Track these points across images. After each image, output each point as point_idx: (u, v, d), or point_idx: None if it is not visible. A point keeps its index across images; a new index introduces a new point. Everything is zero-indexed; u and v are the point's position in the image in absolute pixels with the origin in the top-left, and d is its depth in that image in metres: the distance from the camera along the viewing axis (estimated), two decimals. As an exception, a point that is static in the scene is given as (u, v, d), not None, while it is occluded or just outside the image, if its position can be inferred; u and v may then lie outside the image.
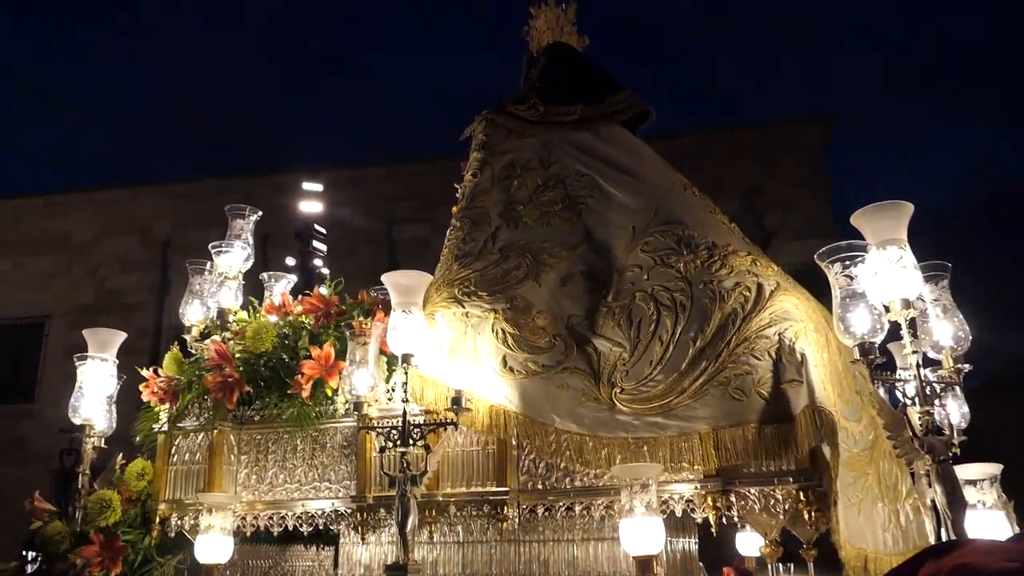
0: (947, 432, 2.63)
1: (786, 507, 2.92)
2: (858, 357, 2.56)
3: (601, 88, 4.18)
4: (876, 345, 2.56)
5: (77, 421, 3.71)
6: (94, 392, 3.75)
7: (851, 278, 2.64)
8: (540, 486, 3.20)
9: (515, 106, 4.17)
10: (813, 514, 2.83)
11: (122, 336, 3.96)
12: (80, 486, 3.71)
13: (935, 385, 2.61)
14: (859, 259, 2.64)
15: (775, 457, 2.93)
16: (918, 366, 2.54)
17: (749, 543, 4.25)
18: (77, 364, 3.81)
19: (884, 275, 2.55)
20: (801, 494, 2.87)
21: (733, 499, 2.97)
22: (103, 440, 3.82)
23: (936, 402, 2.64)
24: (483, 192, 3.82)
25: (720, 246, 3.27)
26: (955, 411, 3.06)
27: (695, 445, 3.01)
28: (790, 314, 3.06)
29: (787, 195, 14.40)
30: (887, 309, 2.58)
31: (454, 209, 4.03)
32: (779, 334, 3.04)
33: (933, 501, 2.67)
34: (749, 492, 2.96)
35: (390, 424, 3.19)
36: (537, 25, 4.67)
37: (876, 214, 2.62)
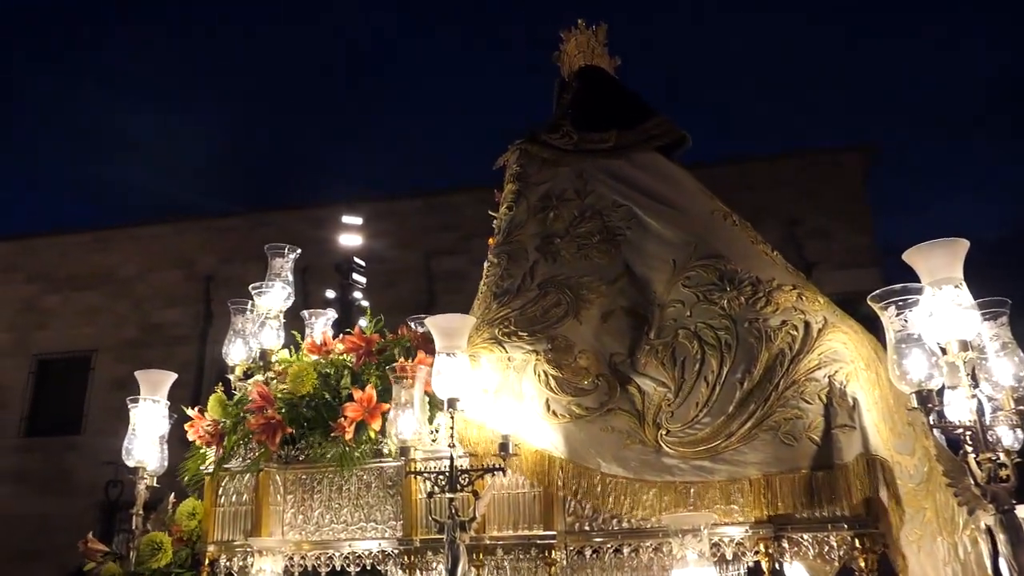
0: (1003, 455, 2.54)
1: (841, 553, 2.85)
2: (916, 406, 2.49)
3: (635, 113, 4.14)
4: (934, 392, 2.48)
5: (131, 463, 3.75)
6: (146, 433, 3.79)
7: (906, 322, 2.56)
8: (587, 528, 3.16)
9: (548, 135, 4.14)
10: (869, 561, 2.76)
11: (172, 377, 4.00)
12: (134, 527, 3.75)
13: (996, 432, 2.51)
14: (913, 302, 2.56)
15: (828, 503, 2.86)
16: (979, 412, 2.46)
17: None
18: (130, 406, 3.85)
19: (940, 316, 2.47)
20: (857, 541, 2.80)
21: (785, 545, 2.91)
22: (155, 479, 3.87)
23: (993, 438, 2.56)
24: (519, 226, 3.79)
25: (764, 281, 3.20)
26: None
27: (745, 490, 2.95)
28: (840, 355, 2.99)
29: (828, 225, 14.26)
30: (944, 351, 2.51)
31: (491, 241, 4.01)
32: (829, 377, 2.97)
33: (988, 527, 2.60)
34: (802, 538, 2.90)
35: (436, 468, 3.18)
36: (568, 49, 4.64)
37: (930, 252, 2.54)
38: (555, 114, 4.36)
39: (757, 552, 2.92)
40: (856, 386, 2.93)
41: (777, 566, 2.94)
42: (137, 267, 18.10)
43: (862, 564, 2.77)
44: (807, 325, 3.07)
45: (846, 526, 2.84)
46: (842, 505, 2.85)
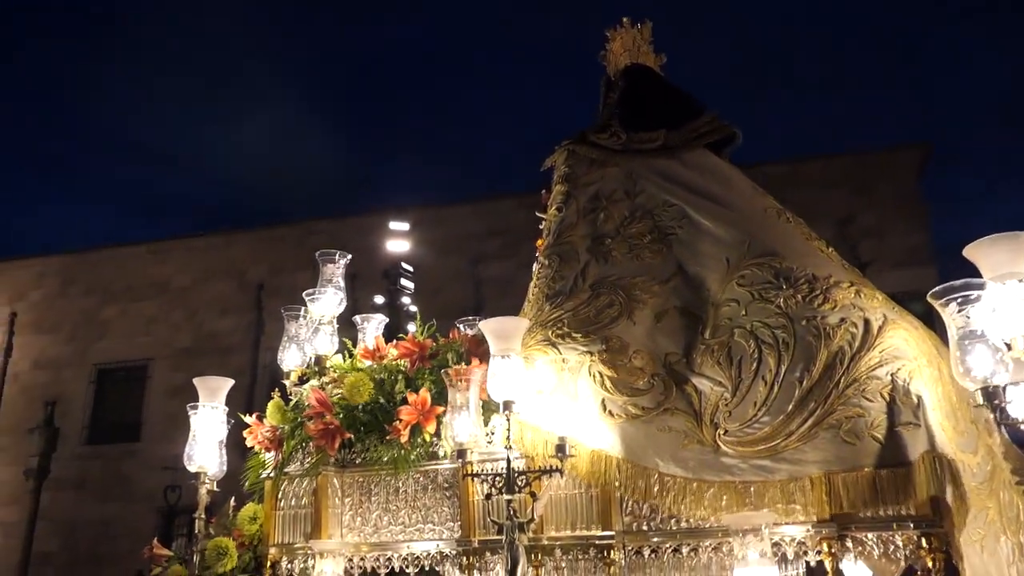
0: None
1: (907, 553, 2.80)
2: (981, 403, 2.43)
3: (683, 111, 4.11)
4: (1000, 388, 2.41)
5: (192, 469, 3.83)
6: (206, 439, 3.87)
7: (968, 318, 2.50)
8: (645, 527, 3.16)
9: (596, 135, 4.13)
10: (937, 561, 2.70)
11: (229, 383, 4.08)
12: (196, 531, 3.83)
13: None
14: (975, 297, 2.50)
15: (892, 502, 2.82)
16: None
17: (856, 573, 4.09)
18: (189, 412, 3.93)
19: (1004, 311, 2.41)
20: (923, 540, 2.75)
21: (849, 544, 2.87)
22: (215, 484, 3.94)
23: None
24: (569, 227, 3.80)
25: (821, 278, 3.16)
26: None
27: (806, 489, 2.91)
28: (902, 351, 2.94)
29: (882, 224, 14.02)
30: (1008, 347, 2.44)
31: (539, 243, 4.02)
32: (891, 374, 2.92)
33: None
34: (866, 537, 2.86)
35: (493, 470, 3.19)
36: (613, 48, 4.63)
37: (992, 246, 2.48)
38: (602, 114, 4.36)
39: (820, 552, 2.88)
40: (920, 383, 2.87)
41: (840, 565, 2.90)
42: (191, 278, 18.52)
43: (929, 564, 2.72)
44: (867, 322, 3.02)
45: (912, 525, 2.79)
46: (908, 504, 2.80)
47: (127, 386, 18.40)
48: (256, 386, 15.02)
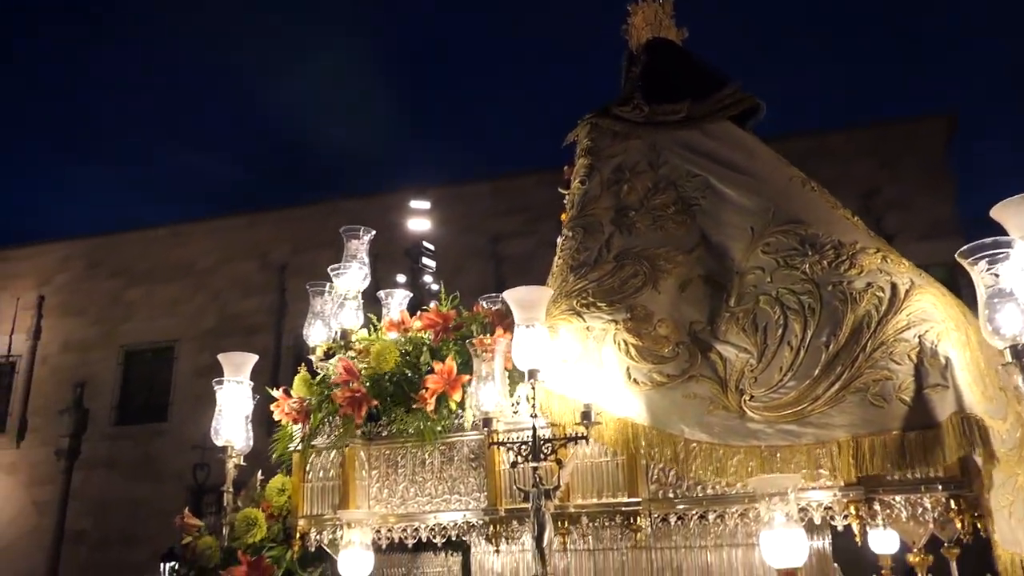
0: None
1: (935, 515, 2.80)
2: (1010, 360, 2.41)
3: (707, 83, 4.10)
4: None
5: (219, 443, 3.89)
6: (232, 414, 3.93)
7: (997, 276, 2.48)
8: (671, 495, 3.17)
9: (619, 107, 4.13)
10: (966, 523, 2.70)
11: (254, 358, 4.13)
12: (225, 503, 3.90)
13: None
14: (1003, 256, 2.48)
15: (921, 464, 2.80)
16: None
17: (884, 542, 4.09)
18: (215, 388, 3.99)
19: (1033, 270, 2.39)
20: (952, 502, 2.75)
21: (877, 507, 2.86)
22: (242, 458, 4.00)
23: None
24: (593, 199, 3.80)
25: (847, 244, 3.14)
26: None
27: (833, 453, 2.90)
28: (929, 314, 2.92)
29: (908, 196, 13.84)
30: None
31: (563, 217, 4.02)
32: (919, 337, 2.89)
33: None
34: (894, 500, 2.85)
35: (519, 439, 3.21)
36: (635, 22, 4.61)
37: (1020, 205, 2.46)
38: (624, 88, 4.35)
39: (847, 515, 2.88)
40: (947, 345, 2.85)
41: (868, 529, 2.89)
42: (214, 259, 18.69)
43: (958, 526, 2.72)
44: (894, 286, 3.00)
45: (940, 487, 2.78)
46: (936, 466, 2.79)
47: (154, 367, 18.66)
48: (280, 366, 15.17)
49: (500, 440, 3.27)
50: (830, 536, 3.75)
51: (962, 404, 2.76)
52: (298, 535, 3.72)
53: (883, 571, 4.28)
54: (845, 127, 15.67)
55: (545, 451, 3.09)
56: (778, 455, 2.98)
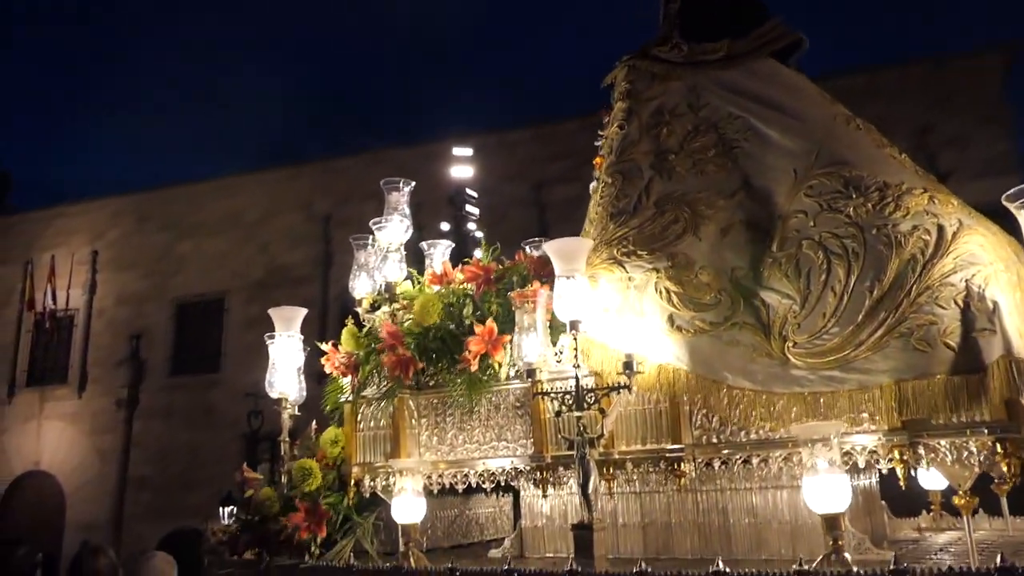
0: None
1: (981, 459, 2.79)
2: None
3: (747, 19, 3.98)
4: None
5: (274, 395, 4.00)
6: (285, 366, 4.03)
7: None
8: (715, 440, 3.20)
9: (657, 48, 4.05)
10: (1012, 466, 2.69)
11: (303, 312, 4.22)
12: (282, 452, 4.03)
13: None
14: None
15: (965, 409, 2.78)
16: None
17: (933, 478, 4.09)
18: (267, 342, 4.09)
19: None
20: (998, 445, 2.72)
21: (922, 451, 2.85)
22: (296, 408, 4.12)
23: None
24: (632, 143, 3.76)
25: (892, 185, 3.07)
26: None
27: (876, 398, 2.89)
28: (977, 257, 2.86)
29: (963, 132, 13.36)
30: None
31: (598, 161, 3.99)
32: (966, 281, 2.84)
33: None
34: (939, 444, 2.84)
35: (563, 388, 3.26)
36: (671, -46, 4.46)
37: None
38: (663, 26, 4.24)
39: (891, 460, 2.88)
40: (996, 289, 2.80)
41: (912, 472, 2.90)
42: (260, 211, 18.93)
43: (1004, 469, 2.71)
44: (940, 228, 2.94)
45: (987, 431, 2.76)
46: (982, 410, 2.77)
47: (205, 319, 19.10)
48: (327, 316, 15.45)
49: (544, 390, 3.33)
50: (877, 475, 3.77)
51: (1010, 348, 2.73)
52: (352, 483, 3.85)
53: (932, 507, 4.29)
54: (897, 64, 15.13)
55: (588, 400, 3.14)
56: (821, 401, 2.97)
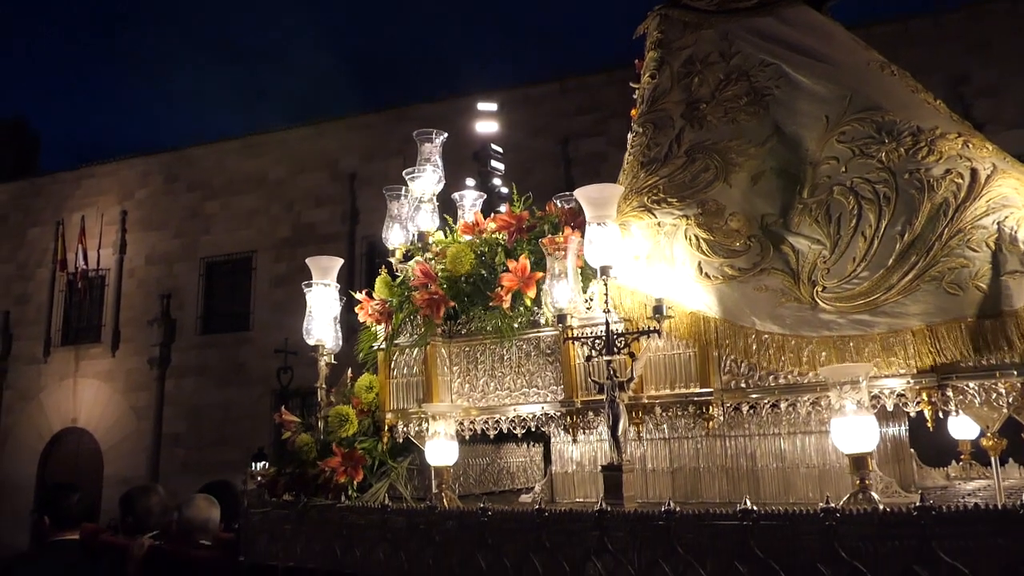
0: None
1: (1010, 400, 2.81)
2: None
3: (779, -35, 3.93)
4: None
5: (311, 342, 4.10)
6: (321, 314, 4.12)
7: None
8: (743, 385, 3.24)
9: (689, -4, 4.02)
10: (1041, 407, 2.72)
11: (339, 262, 4.30)
12: (319, 399, 4.14)
13: None
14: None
15: (996, 350, 2.79)
16: None
17: (963, 428, 4.12)
18: (304, 290, 4.18)
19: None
20: (1027, 386, 2.75)
21: (950, 394, 2.88)
22: (332, 357, 4.21)
23: None
24: (663, 93, 3.76)
25: (926, 130, 3.06)
26: None
27: (907, 341, 2.90)
28: (1010, 200, 2.85)
29: (1000, 81, 13.06)
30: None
31: (633, 112, 4.00)
32: (998, 223, 2.83)
33: None
34: (968, 386, 2.86)
35: (592, 334, 3.32)
36: None
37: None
38: (695, -26, 4.20)
39: (919, 402, 2.92)
40: (1028, 230, 2.80)
41: (941, 415, 2.94)
42: (286, 170, 19.04)
43: (1033, 410, 2.74)
44: (974, 172, 2.93)
45: (1016, 373, 2.78)
46: (1011, 352, 2.78)
47: (234, 278, 19.36)
48: (354, 274, 15.57)
49: (574, 335, 3.39)
50: (907, 423, 3.80)
51: None
52: (387, 428, 3.95)
53: (962, 456, 4.32)
54: (932, 11, 14.80)
55: (618, 345, 3.19)
56: (850, 344, 2.99)
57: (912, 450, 3.97)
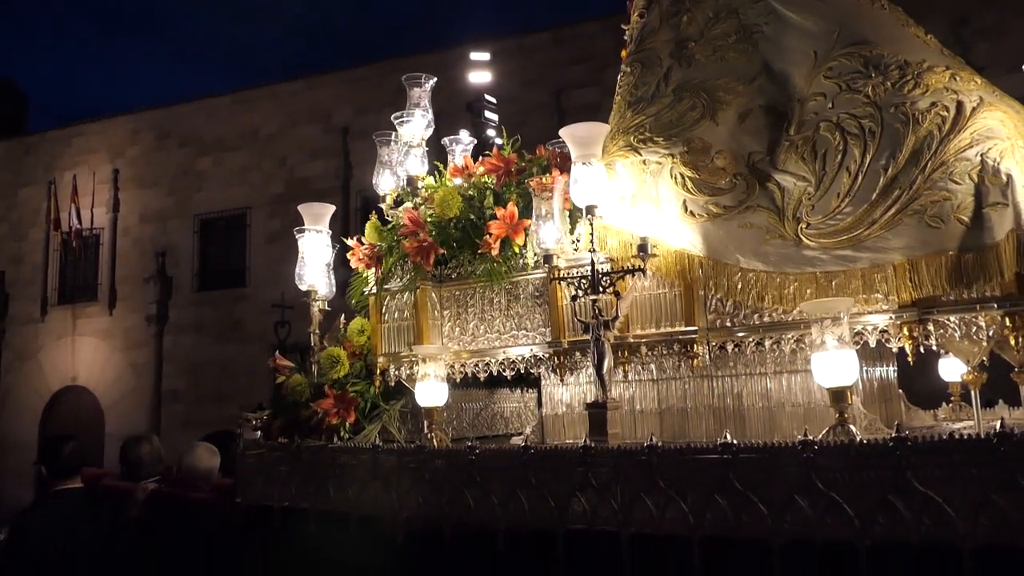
0: None
1: (990, 334, 2.84)
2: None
3: None
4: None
5: (303, 287, 4.12)
6: (314, 261, 4.14)
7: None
8: (728, 323, 3.26)
9: (678, -66, 3.95)
10: (1021, 339, 2.74)
11: (331, 208, 4.31)
12: (312, 344, 4.17)
13: None
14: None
15: (977, 283, 2.80)
16: None
17: (952, 369, 4.16)
18: (297, 236, 4.19)
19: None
20: (1007, 319, 2.77)
21: (931, 328, 2.91)
22: (326, 303, 4.23)
23: None
24: (651, 32, 3.72)
25: (913, 63, 3.03)
26: None
27: (889, 276, 2.92)
28: (994, 132, 2.84)
29: (1000, 23, 12.85)
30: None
31: (623, 53, 3.97)
32: (981, 155, 2.82)
33: None
34: (948, 320, 2.89)
35: (579, 274, 3.34)
36: None
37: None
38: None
39: (901, 338, 2.94)
40: (1011, 163, 2.78)
41: (922, 350, 2.97)
42: (278, 125, 18.90)
43: (1012, 342, 2.76)
44: (959, 104, 2.91)
45: (996, 305, 2.80)
46: (992, 285, 2.79)
47: (228, 235, 19.34)
48: (349, 227, 15.54)
49: (561, 276, 3.41)
50: (895, 364, 3.84)
51: (1020, 221, 2.72)
52: (379, 371, 3.99)
53: (952, 398, 4.38)
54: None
55: (603, 284, 3.21)
56: (834, 282, 3.01)
57: (900, 391, 4.02)
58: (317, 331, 4.15)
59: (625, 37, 3.96)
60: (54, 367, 20.63)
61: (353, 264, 4.16)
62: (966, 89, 2.96)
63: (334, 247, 4.28)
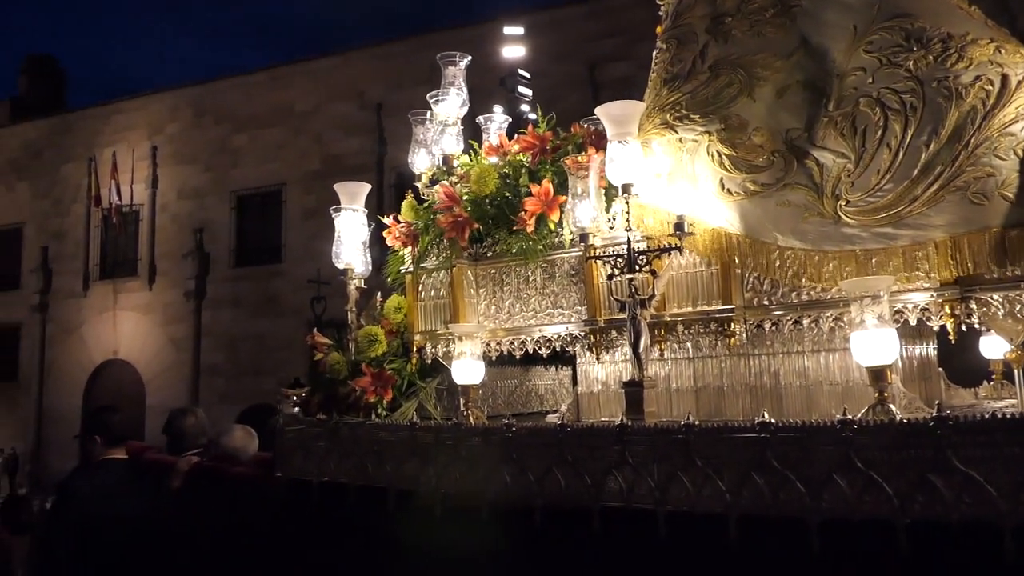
0: None
1: (1033, 311, 2.79)
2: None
3: None
4: None
5: (340, 266, 4.15)
6: (351, 239, 4.16)
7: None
8: (766, 302, 3.25)
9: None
10: (1065, 317, 2.70)
11: (367, 187, 4.33)
12: (349, 322, 4.22)
13: None
14: None
15: (1021, 261, 2.76)
16: None
17: (994, 347, 4.10)
18: (333, 216, 4.22)
19: None
20: (1052, 297, 2.73)
21: (973, 306, 2.87)
22: (363, 281, 4.27)
23: None
24: (687, 8, 3.66)
25: (956, 36, 2.95)
26: None
27: (930, 254, 2.88)
28: None
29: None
30: None
31: (658, 29, 3.92)
32: None
33: None
34: (991, 298, 2.84)
35: (615, 252, 3.33)
36: None
37: None
38: None
39: (942, 316, 2.91)
40: (1057, 138, 2.74)
41: (963, 328, 2.93)
42: (313, 101, 18.99)
43: (1056, 320, 2.72)
44: (1004, 78, 2.83)
45: (1040, 283, 2.76)
46: None
47: (264, 211, 19.56)
48: (383, 204, 15.61)
49: (597, 254, 3.41)
50: (935, 343, 3.80)
51: None
52: (415, 349, 4.04)
53: (993, 376, 4.32)
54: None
55: (640, 263, 3.21)
56: (873, 260, 2.98)
57: (941, 369, 3.97)
58: (354, 309, 4.19)
59: (660, 12, 3.91)
60: (97, 341, 21.11)
61: (389, 242, 4.19)
62: (1011, 62, 2.88)
63: (369, 225, 4.31)
